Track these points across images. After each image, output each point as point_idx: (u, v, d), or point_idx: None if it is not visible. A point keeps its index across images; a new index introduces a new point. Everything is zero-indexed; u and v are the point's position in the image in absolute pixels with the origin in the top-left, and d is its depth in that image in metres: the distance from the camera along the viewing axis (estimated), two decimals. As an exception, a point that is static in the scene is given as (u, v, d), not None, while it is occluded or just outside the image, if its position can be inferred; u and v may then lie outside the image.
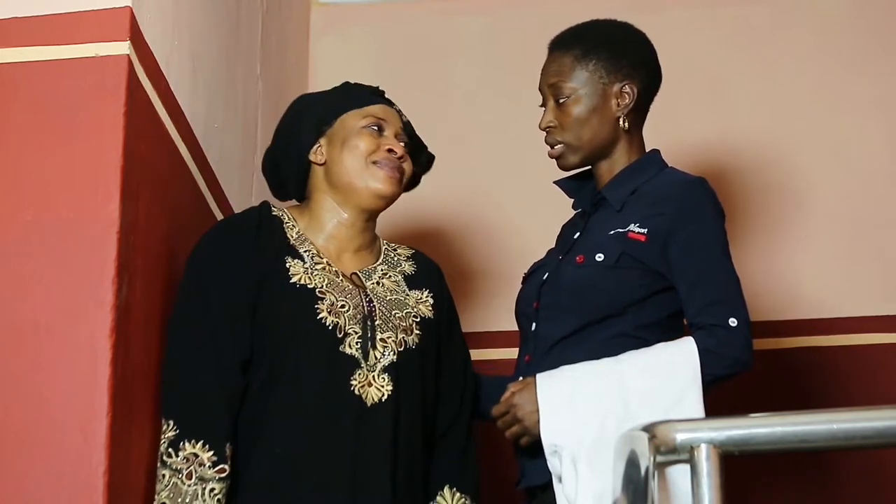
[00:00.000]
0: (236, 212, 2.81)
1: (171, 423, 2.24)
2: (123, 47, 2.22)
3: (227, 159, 2.84)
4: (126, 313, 2.17)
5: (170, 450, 2.22)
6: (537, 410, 2.27)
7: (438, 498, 2.41)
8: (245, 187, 2.98)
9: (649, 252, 2.34)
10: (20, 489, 2.07)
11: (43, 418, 2.10)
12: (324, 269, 2.39)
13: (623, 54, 2.46)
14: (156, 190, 2.34)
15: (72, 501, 2.06)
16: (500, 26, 3.60)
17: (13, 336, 2.14)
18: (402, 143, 2.47)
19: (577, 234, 2.48)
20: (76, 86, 2.22)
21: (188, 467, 2.21)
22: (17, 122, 2.22)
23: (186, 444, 2.22)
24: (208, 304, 2.32)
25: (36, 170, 2.20)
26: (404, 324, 2.39)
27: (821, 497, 3.20)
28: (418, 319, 2.42)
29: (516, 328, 2.56)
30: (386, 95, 2.55)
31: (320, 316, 2.32)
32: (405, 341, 2.37)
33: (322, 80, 3.47)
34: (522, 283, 2.56)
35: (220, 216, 2.73)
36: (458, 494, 2.42)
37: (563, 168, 2.51)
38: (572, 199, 2.58)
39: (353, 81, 2.57)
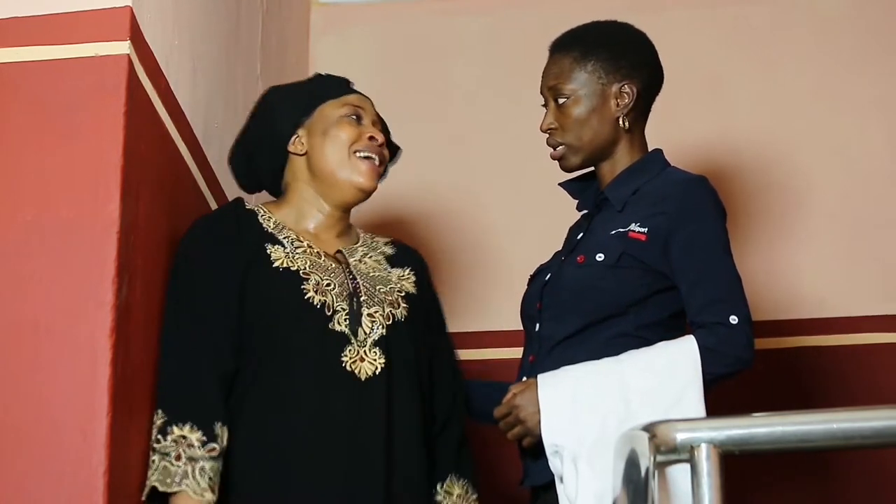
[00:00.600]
0: (236, 212, 2.81)
1: (160, 412, 2.25)
2: (123, 47, 2.22)
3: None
4: (126, 313, 2.17)
5: (158, 436, 2.23)
6: (539, 411, 2.28)
7: (446, 483, 2.43)
8: (245, 187, 2.98)
9: (650, 251, 2.34)
10: (20, 489, 2.07)
11: (43, 418, 2.10)
12: (304, 251, 2.41)
13: (622, 55, 2.46)
14: (156, 190, 2.34)
15: (72, 501, 2.06)
16: (500, 26, 3.60)
17: (13, 336, 2.13)
18: (381, 133, 2.49)
19: (581, 234, 2.49)
20: (76, 86, 2.22)
21: (177, 449, 2.21)
22: (17, 122, 2.22)
23: (174, 427, 2.22)
24: (197, 296, 2.33)
25: (36, 170, 2.20)
26: (390, 298, 2.41)
27: (821, 497, 3.20)
28: (403, 294, 2.45)
29: (514, 328, 2.56)
30: (356, 87, 2.57)
31: (308, 296, 2.34)
32: (393, 315, 2.39)
33: (322, 80, 3.46)
34: (528, 284, 2.56)
35: (219, 216, 2.74)
36: (461, 481, 2.45)
37: (565, 169, 2.51)
38: (576, 201, 2.58)
39: (349, 81, 2.59)
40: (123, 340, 2.15)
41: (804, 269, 3.34)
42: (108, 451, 2.07)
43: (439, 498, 2.43)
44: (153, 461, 2.22)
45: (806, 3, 3.52)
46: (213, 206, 2.72)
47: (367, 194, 2.49)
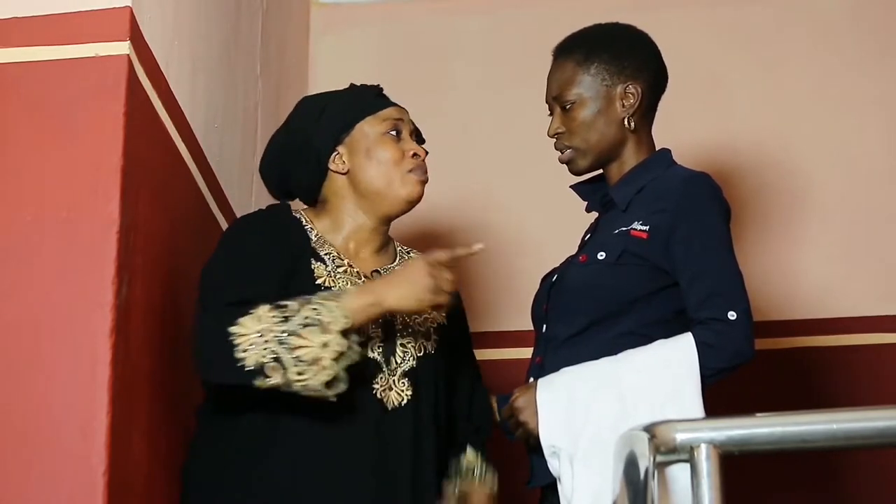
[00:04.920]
0: (236, 212, 2.81)
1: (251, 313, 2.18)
2: (123, 47, 2.22)
3: (227, 159, 2.84)
4: (126, 313, 2.17)
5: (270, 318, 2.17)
6: (536, 413, 2.29)
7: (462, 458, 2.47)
8: (245, 187, 2.98)
9: (651, 249, 2.34)
10: (20, 489, 2.07)
11: (43, 418, 2.10)
12: (345, 271, 2.39)
13: (625, 55, 2.46)
14: (156, 190, 2.34)
15: (72, 501, 2.06)
16: (500, 26, 3.60)
17: (13, 336, 2.14)
18: (419, 145, 2.48)
19: (588, 235, 2.49)
20: (76, 86, 2.22)
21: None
22: (17, 122, 2.22)
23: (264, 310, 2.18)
24: (243, 260, 2.30)
25: (36, 170, 2.20)
26: (423, 329, 2.41)
27: (822, 497, 3.20)
28: (435, 325, 2.44)
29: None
30: (385, 93, 2.55)
31: None
32: (424, 346, 2.40)
33: (322, 80, 3.47)
34: (539, 286, 2.56)
35: (220, 216, 2.74)
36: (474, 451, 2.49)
37: (574, 172, 2.51)
38: (585, 203, 2.58)
39: (357, 83, 2.55)
40: (123, 340, 2.15)
41: (804, 269, 3.35)
42: (108, 451, 2.07)
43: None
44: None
45: (806, 3, 3.52)
46: (213, 206, 2.72)
47: (413, 206, 2.48)
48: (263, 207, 2.51)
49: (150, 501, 2.24)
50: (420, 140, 2.53)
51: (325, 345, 2.14)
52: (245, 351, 2.15)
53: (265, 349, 2.14)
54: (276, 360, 2.14)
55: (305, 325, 2.15)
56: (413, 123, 2.52)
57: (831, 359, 3.27)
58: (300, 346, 2.14)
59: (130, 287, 2.19)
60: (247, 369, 2.14)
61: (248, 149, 3.02)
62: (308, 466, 2.26)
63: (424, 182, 2.46)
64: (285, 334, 2.14)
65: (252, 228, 2.39)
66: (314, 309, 2.17)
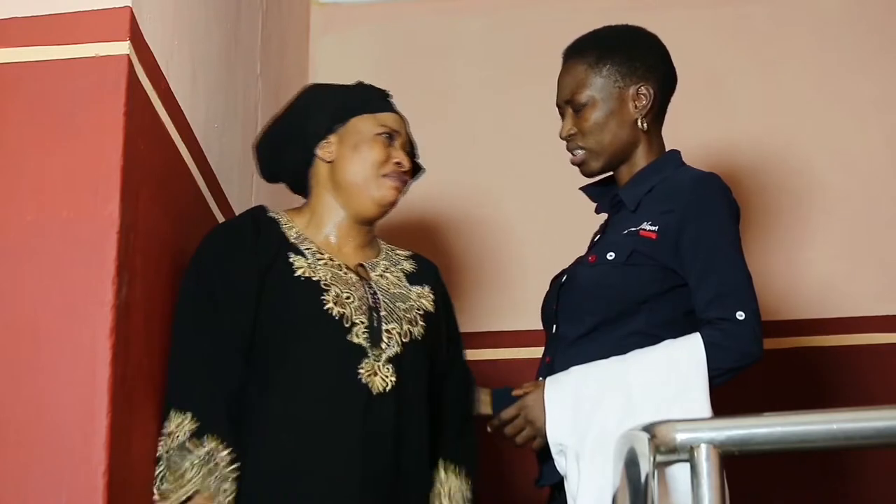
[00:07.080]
0: (236, 212, 2.81)
1: (190, 415, 2.24)
2: (123, 47, 2.23)
3: (227, 159, 2.84)
4: (126, 313, 2.17)
5: (194, 439, 2.23)
6: (544, 411, 2.29)
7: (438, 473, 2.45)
8: (245, 187, 2.98)
9: (660, 249, 2.34)
10: (20, 489, 2.07)
11: (43, 418, 2.10)
12: (326, 263, 2.41)
13: (636, 57, 2.47)
14: (156, 190, 2.34)
15: (72, 501, 2.06)
16: (500, 26, 3.60)
17: (13, 336, 2.14)
18: (408, 157, 2.50)
19: (598, 237, 2.50)
20: (76, 86, 2.22)
21: (211, 462, 2.22)
22: (17, 122, 2.22)
23: (209, 438, 2.23)
24: (213, 298, 2.33)
25: (36, 170, 2.20)
26: (409, 315, 2.43)
27: (824, 498, 3.20)
28: (422, 312, 2.46)
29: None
30: (391, 101, 2.56)
31: (327, 306, 2.35)
32: (411, 332, 2.41)
33: (322, 80, 3.44)
34: (549, 287, 2.56)
35: (220, 216, 2.74)
36: (451, 465, 2.46)
37: (586, 174, 2.51)
38: (588, 202, 2.58)
39: (366, 82, 2.58)
40: (123, 340, 2.15)
41: (805, 269, 3.34)
42: (108, 451, 2.07)
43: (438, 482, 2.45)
44: (191, 464, 2.21)
45: (806, 2, 3.52)
46: (213, 206, 2.72)
47: (385, 209, 2.50)
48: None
49: (150, 501, 2.24)
50: (413, 156, 2.54)
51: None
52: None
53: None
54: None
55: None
56: (410, 137, 2.54)
57: (833, 358, 3.27)
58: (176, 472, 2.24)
59: (130, 287, 2.19)
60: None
61: (248, 149, 3.01)
62: (296, 452, 2.28)
63: (399, 189, 2.49)
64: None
65: (218, 249, 2.41)
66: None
